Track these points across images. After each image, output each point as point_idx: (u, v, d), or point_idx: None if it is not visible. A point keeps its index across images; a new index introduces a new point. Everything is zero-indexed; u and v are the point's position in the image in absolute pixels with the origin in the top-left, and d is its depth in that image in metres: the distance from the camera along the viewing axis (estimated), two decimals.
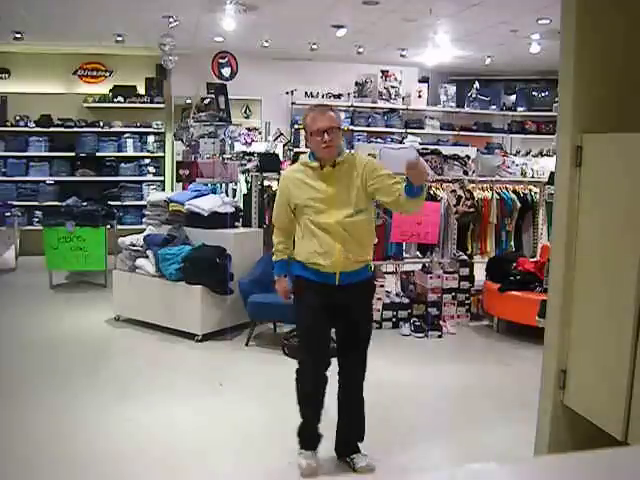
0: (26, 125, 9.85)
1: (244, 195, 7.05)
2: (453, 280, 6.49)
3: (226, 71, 9.79)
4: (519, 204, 7.00)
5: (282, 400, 4.51)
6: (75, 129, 9.95)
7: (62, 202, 8.22)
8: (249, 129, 9.78)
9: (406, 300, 6.43)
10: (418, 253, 6.73)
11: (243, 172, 7.10)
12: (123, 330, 6.15)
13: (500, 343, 6.02)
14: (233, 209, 6.24)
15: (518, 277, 6.09)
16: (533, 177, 7.40)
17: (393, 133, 10.85)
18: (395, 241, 6.41)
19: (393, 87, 11.04)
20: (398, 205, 3.31)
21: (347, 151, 3.43)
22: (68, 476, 3.41)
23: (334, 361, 3.45)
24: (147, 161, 10.27)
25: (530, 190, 7.16)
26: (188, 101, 9.96)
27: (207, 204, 6.12)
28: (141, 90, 10.38)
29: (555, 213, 3.15)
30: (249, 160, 7.13)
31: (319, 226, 3.24)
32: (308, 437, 3.46)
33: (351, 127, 10.82)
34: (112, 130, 10.10)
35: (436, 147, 7.31)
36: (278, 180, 6.64)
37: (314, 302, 3.32)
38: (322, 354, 3.37)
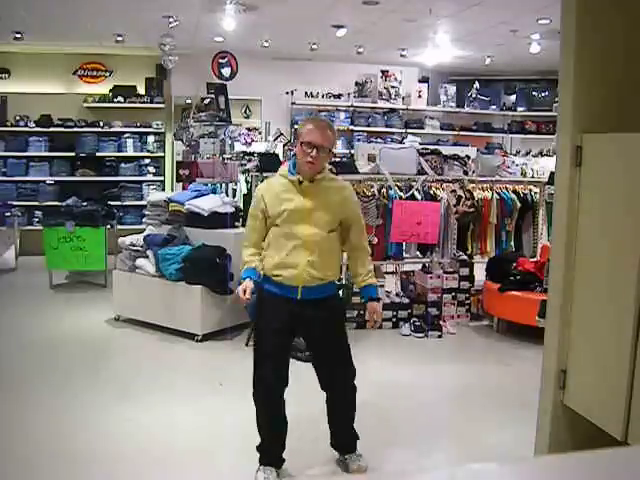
0: (26, 125, 9.85)
1: (244, 195, 7.05)
2: (453, 280, 6.49)
3: (226, 71, 9.79)
4: (519, 204, 7.00)
5: None
6: (75, 129, 9.94)
7: (62, 202, 8.22)
8: (249, 129, 9.79)
9: (406, 300, 6.43)
10: (418, 253, 6.73)
11: (243, 172, 7.10)
12: (123, 330, 6.15)
13: (500, 343, 6.02)
14: (233, 209, 6.24)
15: (518, 277, 6.09)
16: (533, 177, 7.40)
17: (393, 133, 10.86)
18: (395, 241, 6.41)
19: (393, 87, 11.05)
20: (348, 255, 3.48)
21: (328, 172, 3.36)
22: (68, 476, 3.41)
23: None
24: (147, 161, 10.27)
25: (530, 190, 7.16)
26: (188, 101, 9.96)
27: (207, 204, 6.12)
28: (141, 90, 10.38)
29: (555, 213, 3.15)
30: (249, 160, 7.13)
31: (290, 237, 3.19)
32: (268, 456, 3.39)
33: (351, 127, 10.84)
34: (112, 130, 10.09)
35: (436, 147, 7.31)
36: None
37: (272, 318, 3.26)
38: (278, 374, 3.29)
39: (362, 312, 6.23)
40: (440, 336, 6.13)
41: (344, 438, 3.52)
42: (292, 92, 10.54)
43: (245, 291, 3.24)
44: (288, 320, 3.25)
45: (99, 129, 10.02)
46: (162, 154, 10.35)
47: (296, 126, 10.66)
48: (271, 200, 3.25)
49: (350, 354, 3.42)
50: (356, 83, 10.98)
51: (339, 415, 3.50)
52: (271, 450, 3.39)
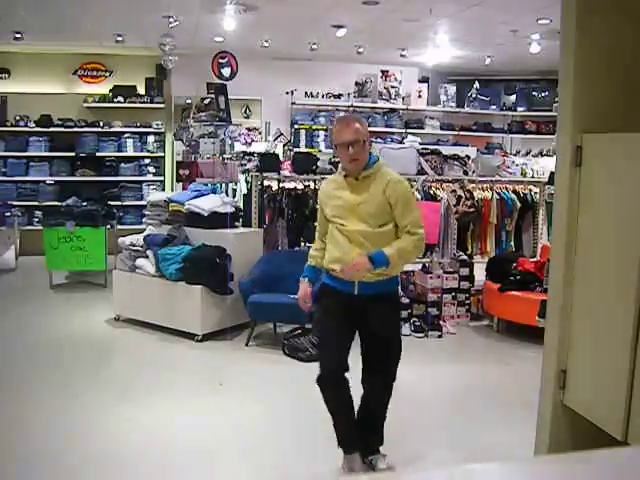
0: (26, 125, 9.85)
1: (244, 195, 7.05)
2: (453, 280, 6.49)
3: (226, 71, 9.79)
4: (519, 204, 7.00)
5: (282, 400, 4.53)
6: (75, 129, 9.95)
7: (62, 202, 8.21)
8: (249, 129, 9.79)
9: (406, 300, 6.42)
10: None
11: (243, 172, 7.10)
12: (123, 330, 6.15)
13: (500, 343, 6.02)
14: (233, 209, 6.24)
15: (518, 277, 6.09)
16: (533, 177, 7.40)
17: (393, 133, 10.85)
18: None
19: (393, 87, 11.05)
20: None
21: (374, 161, 3.32)
22: (68, 476, 3.41)
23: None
24: (147, 161, 10.27)
25: (530, 190, 7.16)
26: (188, 101, 9.95)
27: (207, 204, 6.12)
28: (141, 90, 10.38)
29: (555, 213, 3.15)
30: (249, 160, 7.13)
31: (341, 232, 3.27)
32: (343, 440, 3.41)
33: None
34: (112, 130, 10.10)
35: (436, 147, 7.31)
36: (278, 180, 6.73)
37: (331, 307, 3.35)
38: (336, 359, 3.31)
39: None
40: (440, 336, 6.13)
41: (372, 439, 3.49)
42: (292, 92, 10.54)
43: (305, 300, 3.45)
44: (346, 312, 3.30)
45: (99, 129, 10.02)
46: (162, 154, 10.35)
47: (296, 126, 10.71)
48: (324, 196, 3.43)
49: (398, 356, 3.45)
50: (356, 83, 10.98)
51: (371, 418, 3.47)
52: (344, 432, 3.39)
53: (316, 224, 3.64)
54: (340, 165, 3.43)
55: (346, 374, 3.32)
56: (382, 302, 3.32)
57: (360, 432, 3.45)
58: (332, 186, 3.40)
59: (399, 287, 3.62)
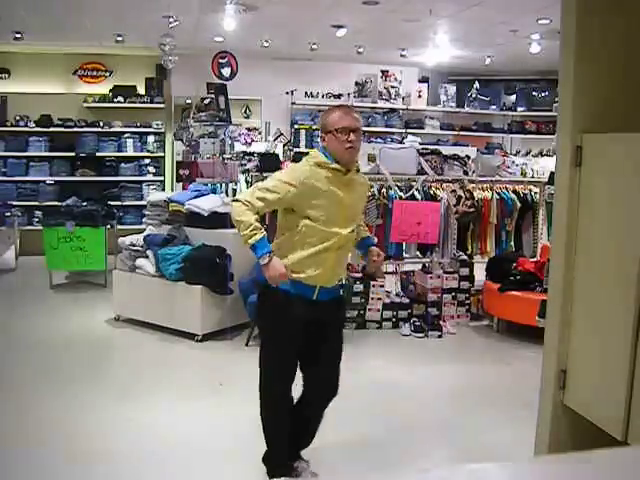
0: (26, 125, 9.85)
1: None
2: (453, 280, 6.49)
3: (226, 71, 9.79)
4: (519, 204, 7.00)
5: None
6: (75, 129, 9.94)
7: (62, 202, 8.21)
8: (249, 129, 9.79)
9: (406, 300, 6.43)
10: (418, 253, 6.73)
11: (243, 172, 7.10)
12: (123, 330, 6.15)
13: (500, 343, 6.02)
14: None
15: (518, 277, 6.09)
16: (533, 177, 7.40)
17: (393, 133, 10.85)
18: (395, 241, 6.41)
19: (393, 87, 11.04)
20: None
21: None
22: (68, 476, 3.42)
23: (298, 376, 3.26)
24: (147, 161, 10.27)
25: (530, 190, 7.16)
26: (188, 101, 9.96)
27: (207, 204, 6.12)
28: (141, 90, 10.38)
29: (555, 213, 3.15)
30: (249, 160, 7.13)
31: (325, 235, 2.98)
32: (281, 465, 3.27)
33: None
34: (112, 130, 10.09)
35: (436, 147, 7.31)
36: None
37: (292, 322, 3.05)
38: (292, 380, 3.16)
39: (362, 312, 6.24)
40: (440, 336, 6.13)
41: (307, 442, 3.39)
42: (292, 92, 10.54)
43: (281, 273, 2.92)
44: (303, 322, 3.05)
45: (99, 129, 10.02)
46: (162, 154, 10.34)
47: (296, 126, 10.70)
48: (309, 190, 2.95)
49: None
50: (356, 83, 10.98)
51: (316, 420, 3.32)
52: (283, 457, 3.28)
53: (252, 188, 3.13)
54: (320, 155, 3.03)
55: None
56: (336, 306, 3.25)
57: (291, 438, 3.29)
58: (323, 180, 2.97)
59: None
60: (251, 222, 3.00)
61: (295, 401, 3.27)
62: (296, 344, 3.12)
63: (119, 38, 8.82)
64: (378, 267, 3.31)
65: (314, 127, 10.80)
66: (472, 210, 6.68)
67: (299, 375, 3.23)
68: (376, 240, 3.23)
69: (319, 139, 3.15)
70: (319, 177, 2.98)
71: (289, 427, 3.23)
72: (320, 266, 3.02)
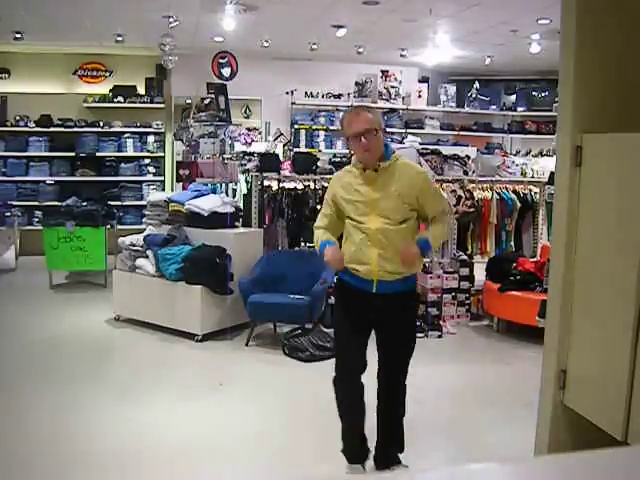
0: (26, 125, 9.85)
1: (244, 195, 7.05)
2: (453, 280, 6.48)
3: (226, 71, 9.79)
4: (519, 204, 7.00)
5: (282, 400, 4.53)
6: (75, 129, 9.94)
7: (62, 202, 8.21)
8: (249, 129, 9.77)
9: None
10: None
11: (243, 172, 7.09)
12: (123, 330, 6.15)
13: (500, 343, 6.01)
14: (233, 209, 6.24)
15: (518, 277, 6.09)
16: (533, 177, 7.40)
17: (393, 133, 10.83)
18: None
19: (393, 87, 11.04)
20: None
21: (391, 151, 3.24)
22: (68, 476, 3.42)
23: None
24: (147, 161, 10.27)
25: (530, 190, 7.16)
26: (188, 101, 9.95)
27: (207, 204, 6.12)
28: (141, 90, 10.38)
29: (555, 213, 3.15)
30: (249, 160, 7.12)
31: (360, 230, 3.15)
32: (351, 449, 3.37)
33: None
34: (112, 130, 10.09)
35: (436, 147, 7.31)
36: (278, 180, 6.73)
37: (350, 306, 3.29)
38: (354, 358, 3.28)
39: None
40: (440, 336, 6.13)
41: (390, 441, 3.46)
42: (292, 92, 10.53)
43: (332, 259, 3.15)
44: (365, 311, 3.23)
45: (99, 129, 10.02)
46: (162, 154, 10.34)
47: (296, 126, 10.69)
48: (341, 189, 3.23)
49: (409, 359, 3.39)
50: (356, 83, 10.98)
51: (387, 416, 3.45)
52: (353, 439, 3.36)
53: (321, 223, 3.34)
54: (354, 158, 3.28)
55: (362, 378, 3.31)
56: (400, 301, 3.26)
57: (380, 440, 3.44)
58: (348, 179, 3.22)
59: (416, 286, 3.47)
60: (317, 237, 3.31)
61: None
62: (355, 331, 3.28)
63: (119, 38, 8.81)
64: (405, 263, 3.18)
65: (314, 127, 10.82)
66: (472, 210, 6.68)
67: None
68: (431, 239, 3.19)
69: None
70: (349, 178, 3.22)
71: (356, 412, 3.35)
72: (366, 260, 3.15)
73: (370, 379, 3.39)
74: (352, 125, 3.11)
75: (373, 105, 10.92)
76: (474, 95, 11.17)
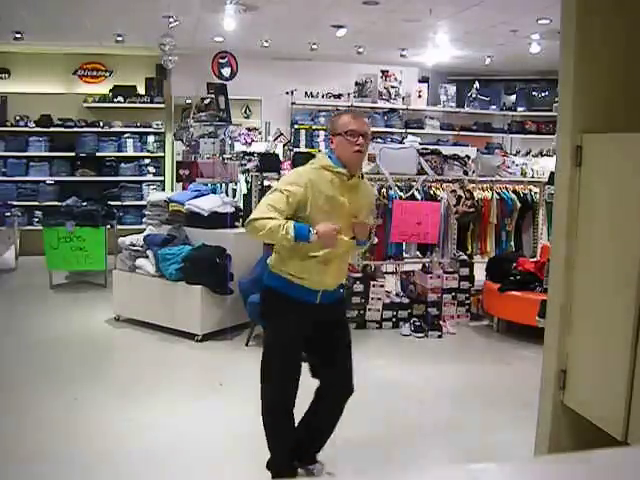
0: (26, 125, 9.85)
1: (244, 195, 7.05)
2: (453, 280, 6.49)
3: (226, 71, 9.79)
4: (519, 204, 7.00)
5: None
6: (75, 129, 9.94)
7: (62, 202, 8.21)
8: (249, 129, 9.77)
9: (406, 300, 6.43)
10: (418, 253, 6.73)
11: (243, 172, 7.10)
12: (123, 330, 6.15)
13: (500, 343, 6.02)
14: (233, 209, 6.24)
15: (518, 277, 6.09)
16: (533, 177, 7.40)
17: (393, 133, 10.85)
18: (395, 241, 6.41)
19: (393, 87, 11.04)
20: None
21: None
22: (68, 476, 3.41)
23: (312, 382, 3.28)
24: (147, 161, 10.27)
25: (530, 190, 7.16)
26: (188, 101, 9.95)
27: (207, 204, 6.12)
28: (141, 90, 10.38)
29: (555, 213, 3.15)
30: (249, 160, 7.12)
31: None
32: (283, 470, 3.24)
33: None
34: (112, 130, 10.09)
35: (436, 147, 7.31)
36: (278, 180, 6.71)
37: (295, 327, 3.10)
38: (296, 391, 3.17)
39: (362, 312, 6.24)
40: (440, 336, 6.13)
41: (321, 445, 3.37)
42: (292, 92, 10.53)
43: (331, 233, 2.88)
44: (307, 327, 3.11)
45: (99, 129, 10.02)
46: (162, 154, 10.34)
47: (296, 126, 10.69)
48: (318, 198, 2.95)
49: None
50: (356, 83, 10.98)
51: (336, 417, 3.31)
52: (287, 461, 3.28)
53: (273, 215, 2.90)
54: (325, 158, 3.04)
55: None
56: (339, 307, 3.29)
57: (306, 441, 3.32)
58: (324, 184, 2.97)
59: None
60: (273, 224, 2.88)
61: (311, 403, 3.30)
62: (298, 347, 3.17)
63: (119, 38, 8.82)
64: (360, 233, 3.08)
65: (314, 127, 10.81)
66: (472, 210, 6.68)
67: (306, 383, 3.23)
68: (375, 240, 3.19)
69: (329, 142, 3.16)
70: (323, 180, 2.98)
71: (292, 432, 3.24)
72: (323, 271, 3.05)
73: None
74: (352, 123, 3.01)
75: (373, 105, 10.96)
76: (474, 95, 11.17)
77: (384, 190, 6.41)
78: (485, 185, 6.98)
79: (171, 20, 7.26)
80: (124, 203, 10.00)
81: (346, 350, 3.28)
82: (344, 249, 3.10)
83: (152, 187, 10.14)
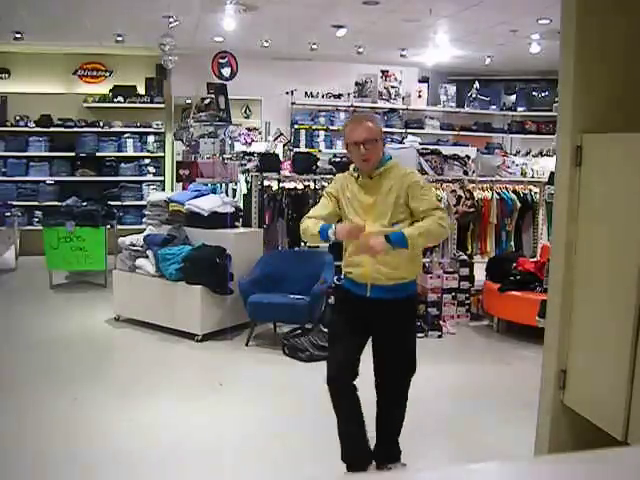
0: (26, 125, 9.85)
1: (244, 195, 7.05)
2: (453, 280, 6.49)
3: (226, 71, 9.79)
4: (519, 204, 7.00)
5: (281, 400, 4.53)
6: (75, 129, 9.95)
7: (62, 202, 8.22)
8: (249, 129, 9.78)
9: None
10: None
11: (243, 172, 7.10)
12: (123, 330, 6.15)
13: (500, 343, 6.02)
14: (233, 209, 6.24)
15: (518, 277, 6.09)
16: (533, 177, 7.40)
17: (393, 133, 10.84)
18: None
19: (393, 87, 11.04)
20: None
21: (388, 159, 3.24)
22: (68, 476, 3.41)
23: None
24: (147, 161, 10.27)
25: (530, 190, 7.16)
26: (188, 101, 9.95)
27: (207, 204, 6.12)
28: (141, 90, 10.38)
29: (555, 213, 3.15)
30: (249, 160, 7.13)
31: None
32: (346, 453, 3.32)
33: None
34: (112, 130, 10.09)
35: (436, 147, 7.31)
36: (278, 180, 6.72)
37: (344, 311, 3.33)
38: (343, 365, 3.23)
39: None
40: (440, 336, 6.13)
41: (389, 449, 3.44)
42: (292, 92, 10.53)
43: (348, 229, 3.10)
44: (359, 317, 3.25)
45: (99, 129, 10.02)
46: (162, 154, 10.35)
47: (296, 126, 10.69)
48: (342, 188, 3.28)
49: (412, 368, 3.36)
50: (356, 83, 10.98)
51: (386, 427, 3.42)
52: (349, 445, 3.31)
53: (312, 214, 3.28)
54: (351, 166, 3.34)
55: (355, 383, 3.25)
56: (397, 308, 3.22)
57: (378, 444, 3.43)
58: (347, 183, 3.28)
59: (416, 292, 3.42)
60: (309, 225, 3.21)
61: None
62: (348, 336, 3.25)
63: (119, 38, 8.82)
64: (363, 248, 3.11)
65: (314, 127, 10.81)
66: (472, 210, 6.68)
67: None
68: (407, 233, 3.05)
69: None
70: (349, 182, 3.26)
71: (352, 419, 3.30)
72: (361, 263, 3.18)
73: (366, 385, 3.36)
74: (353, 133, 3.17)
75: (373, 105, 10.96)
76: (474, 95, 11.17)
77: None
78: (485, 185, 6.98)
79: (171, 20, 7.26)
80: (124, 203, 10.00)
81: (390, 353, 3.30)
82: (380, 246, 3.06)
83: (152, 187, 10.14)
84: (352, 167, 3.32)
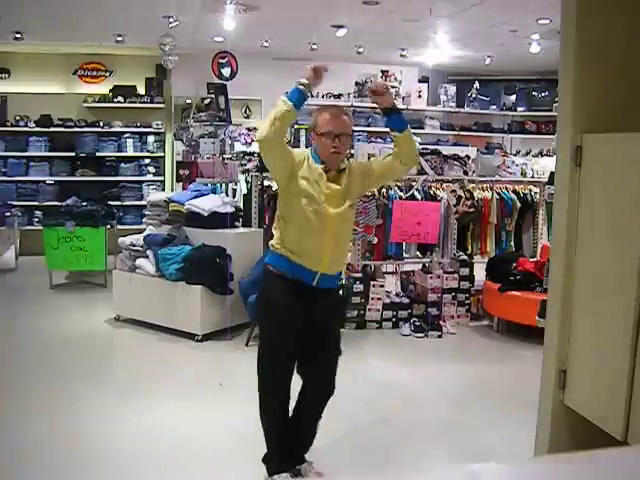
0: (26, 125, 9.85)
1: (244, 195, 7.05)
2: (453, 280, 6.49)
3: (226, 71, 9.78)
4: (519, 204, 7.00)
5: None
6: (75, 129, 9.95)
7: (62, 202, 8.22)
8: (249, 129, 9.77)
9: (406, 300, 6.43)
10: (418, 253, 6.73)
11: (243, 172, 7.10)
12: (123, 330, 6.15)
13: (500, 343, 6.02)
14: (233, 209, 6.24)
15: (518, 277, 6.09)
16: (533, 177, 7.40)
17: None
18: (395, 241, 6.41)
19: (393, 87, 11.02)
20: (398, 158, 3.29)
21: (347, 157, 3.25)
22: (68, 476, 3.41)
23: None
24: (147, 161, 10.28)
25: (530, 190, 7.16)
26: (188, 101, 9.96)
27: (207, 204, 6.12)
28: (141, 90, 10.38)
29: (555, 213, 3.15)
30: (249, 160, 7.13)
31: (316, 213, 3.01)
32: (279, 462, 3.24)
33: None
34: (112, 130, 10.10)
35: (436, 147, 7.31)
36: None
37: (291, 309, 3.08)
38: (289, 387, 3.20)
39: (362, 312, 6.24)
40: (440, 336, 6.13)
41: (308, 443, 3.35)
42: None
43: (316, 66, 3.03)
44: (299, 307, 3.07)
45: (99, 129, 10.02)
46: (162, 154, 10.35)
47: (296, 126, 10.67)
48: (305, 172, 3.06)
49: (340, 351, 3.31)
50: (356, 83, 10.96)
51: (314, 418, 3.29)
52: (280, 454, 3.28)
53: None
54: (308, 153, 3.15)
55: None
56: (333, 296, 3.29)
57: (291, 441, 3.29)
58: (313, 170, 3.07)
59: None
60: (273, 111, 3.02)
61: (295, 403, 3.30)
62: (291, 335, 3.10)
63: (119, 38, 8.82)
64: (380, 96, 3.23)
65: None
66: (472, 210, 6.68)
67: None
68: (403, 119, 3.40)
69: (310, 136, 3.25)
70: (314, 170, 3.08)
71: (282, 427, 3.25)
72: (317, 248, 3.05)
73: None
74: (330, 124, 3.06)
75: (373, 105, 10.93)
76: (474, 95, 11.16)
77: (384, 190, 6.40)
78: (485, 185, 6.98)
79: (171, 20, 7.27)
80: (124, 203, 10.01)
81: (333, 351, 3.24)
82: (336, 227, 3.06)
83: (152, 187, 10.15)
84: (309, 154, 3.13)
